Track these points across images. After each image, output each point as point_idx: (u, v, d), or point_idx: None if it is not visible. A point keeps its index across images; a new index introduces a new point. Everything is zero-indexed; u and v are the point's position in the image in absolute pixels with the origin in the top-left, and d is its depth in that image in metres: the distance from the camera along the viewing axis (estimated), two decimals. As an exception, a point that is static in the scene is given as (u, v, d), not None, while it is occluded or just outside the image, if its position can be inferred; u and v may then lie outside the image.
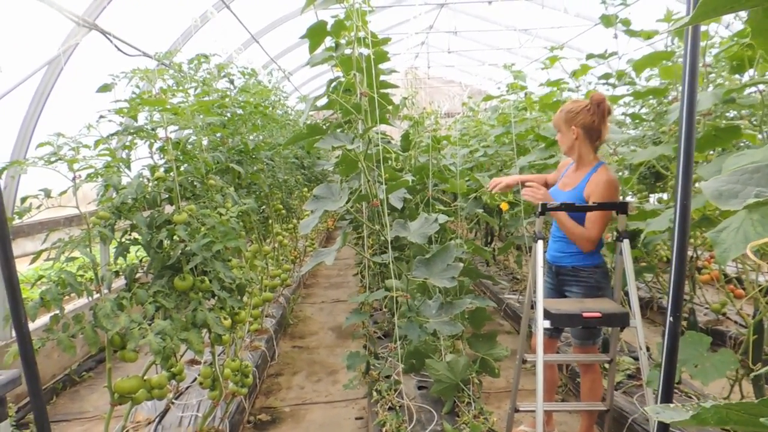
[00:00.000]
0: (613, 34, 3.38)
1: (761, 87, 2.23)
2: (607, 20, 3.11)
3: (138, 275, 2.43)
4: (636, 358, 3.48)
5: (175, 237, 2.38)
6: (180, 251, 2.34)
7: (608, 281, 2.66)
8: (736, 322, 4.12)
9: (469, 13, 9.32)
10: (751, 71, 2.22)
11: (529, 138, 4.34)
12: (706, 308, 4.33)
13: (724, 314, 4.21)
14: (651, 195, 4.26)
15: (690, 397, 2.96)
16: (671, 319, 0.99)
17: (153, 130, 2.58)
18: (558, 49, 3.77)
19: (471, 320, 3.27)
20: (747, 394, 2.49)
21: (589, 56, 3.44)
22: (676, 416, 0.52)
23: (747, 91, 2.33)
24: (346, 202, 2.40)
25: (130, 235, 2.45)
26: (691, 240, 2.93)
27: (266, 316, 4.93)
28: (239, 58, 5.47)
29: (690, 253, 3.20)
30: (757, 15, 0.57)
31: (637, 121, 3.61)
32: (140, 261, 2.50)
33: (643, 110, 4.03)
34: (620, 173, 3.50)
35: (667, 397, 0.95)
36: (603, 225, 2.50)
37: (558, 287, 2.76)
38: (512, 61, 4.76)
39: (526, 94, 4.65)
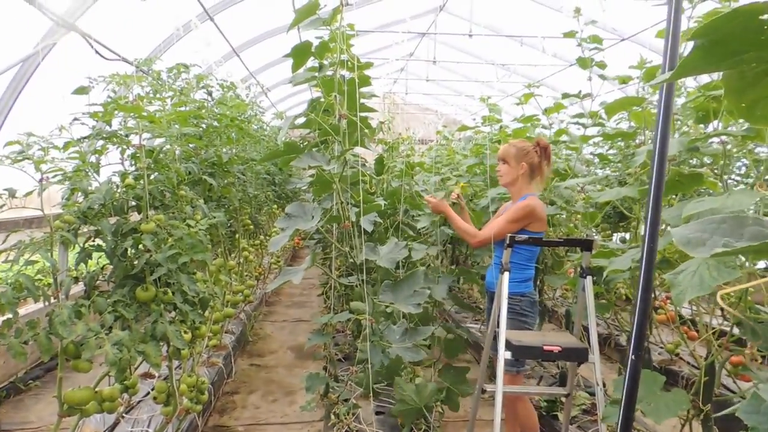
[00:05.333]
0: (587, 76, 3.49)
1: (723, 138, 2.33)
2: (583, 62, 3.21)
3: (98, 282, 2.37)
4: (591, 393, 3.53)
5: (140, 246, 2.33)
6: (144, 261, 2.29)
7: (534, 310, 2.90)
8: (688, 363, 4.22)
9: (449, 44, 9.52)
10: (715, 122, 2.32)
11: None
12: (661, 347, 4.42)
13: (677, 354, 4.30)
14: (615, 234, 4.37)
15: (642, 435, 3.01)
16: (633, 357, 1.01)
17: (126, 136, 2.54)
18: (535, 87, 3.87)
19: (446, 349, 3.27)
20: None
21: (565, 96, 3.54)
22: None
23: (710, 140, 2.43)
24: (318, 223, 2.40)
25: (93, 241, 2.39)
26: (651, 281, 3.01)
27: (225, 332, 4.85)
28: (219, 71, 5.46)
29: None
30: (731, 76, 0.61)
31: (605, 162, 3.72)
32: (101, 268, 2.44)
33: (611, 152, 4.16)
34: (587, 210, 3.59)
35: (625, 435, 0.98)
36: (498, 231, 2.77)
37: (492, 311, 2.85)
38: (488, 94, 4.85)
39: (500, 127, 4.74)
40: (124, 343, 2.02)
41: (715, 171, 2.39)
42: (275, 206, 6.02)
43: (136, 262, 2.31)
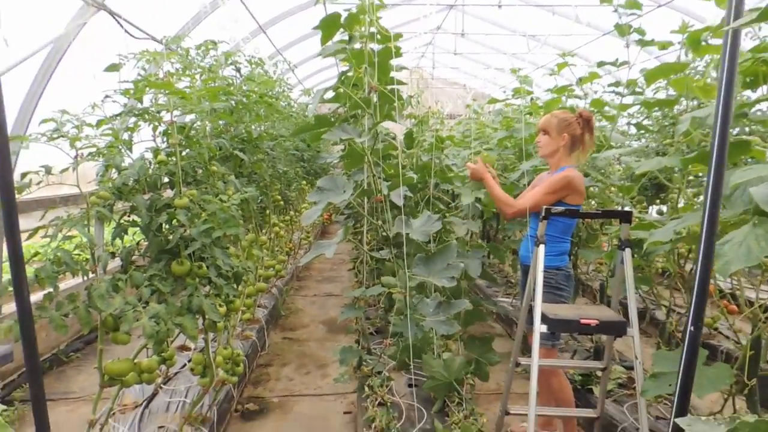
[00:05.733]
0: (624, 43, 3.36)
1: (773, 103, 2.22)
2: (621, 29, 3.09)
3: (134, 257, 2.40)
4: (626, 367, 3.48)
5: (174, 221, 2.35)
6: (179, 236, 2.31)
7: (570, 284, 2.85)
8: (727, 337, 4.12)
9: (477, 15, 9.30)
10: (763, 87, 2.21)
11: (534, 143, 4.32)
12: (699, 323, 4.33)
13: (716, 329, 4.21)
14: (650, 206, 4.26)
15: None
16: (692, 328, 0.97)
17: (158, 113, 2.55)
18: (569, 56, 3.76)
19: (463, 320, 3.25)
20: (739, 409, 2.49)
21: (600, 64, 3.43)
22: (709, 430, 0.50)
23: (755, 107, 2.32)
24: (350, 196, 2.39)
25: (129, 216, 2.42)
26: (692, 253, 2.93)
27: (258, 307, 4.91)
28: (246, 48, 5.43)
29: (690, 266, 3.19)
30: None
31: (642, 131, 3.61)
32: (137, 243, 2.47)
33: (648, 122, 4.02)
34: (622, 182, 3.49)
35: (682, 410, 0.94)
36: (535, 203, 2.73)
37: (527, 285, 2.81)
38: (519, 66, 4.73)
39: (531, 99, 4.63)
40: (161, 316, 2.05)
41: (766, 139, 2.29)
42: (304, 182, 6.03)
43: (170, 237, 2.33)
